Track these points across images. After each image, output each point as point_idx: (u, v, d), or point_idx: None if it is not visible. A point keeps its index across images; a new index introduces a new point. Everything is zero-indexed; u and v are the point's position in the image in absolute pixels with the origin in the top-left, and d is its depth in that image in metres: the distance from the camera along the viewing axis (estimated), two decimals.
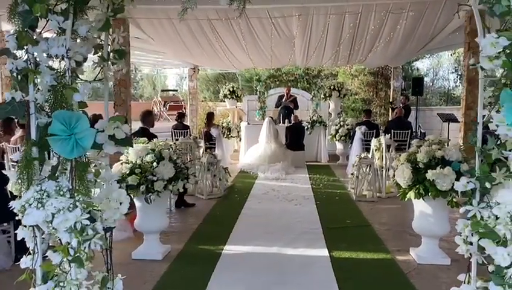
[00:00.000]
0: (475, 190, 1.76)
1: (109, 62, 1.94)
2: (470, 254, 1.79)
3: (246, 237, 4.97)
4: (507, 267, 1.56)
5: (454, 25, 8.48)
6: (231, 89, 13.34)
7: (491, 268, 1.68)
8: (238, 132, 11.56)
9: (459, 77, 18.55)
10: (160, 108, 21.33)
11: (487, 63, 1.58)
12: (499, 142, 1.74)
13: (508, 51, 1.50)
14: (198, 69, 14.44)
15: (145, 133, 5.95)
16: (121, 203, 1.91)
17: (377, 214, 6.02)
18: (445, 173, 3.82)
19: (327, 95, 12.55)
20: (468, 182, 1.76)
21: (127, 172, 4.07)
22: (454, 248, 4.62)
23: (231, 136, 11.42)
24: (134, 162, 4.10)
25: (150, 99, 24.06)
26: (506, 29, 1.57)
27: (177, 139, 8.49)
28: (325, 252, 4.46)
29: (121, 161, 4.17)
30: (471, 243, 1.76)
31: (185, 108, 17.43)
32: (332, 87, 12.66)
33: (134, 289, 3.56)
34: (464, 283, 1.86)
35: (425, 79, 20.10)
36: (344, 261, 4.23)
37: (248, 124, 11.86)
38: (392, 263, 4.19)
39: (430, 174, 3.84)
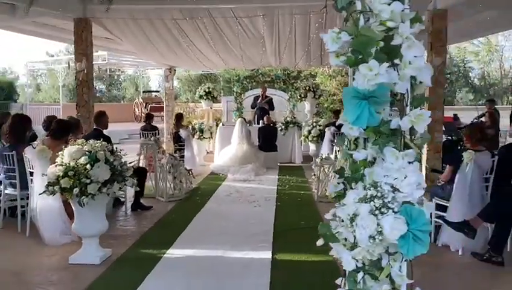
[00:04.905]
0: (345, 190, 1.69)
1: None
2: None
3: (194, 240, 4.88)
4: (356, 271, 1.49)
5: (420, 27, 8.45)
6: (207, 90, 13.24)
7: None
8: (211, 133, 11.47)
9: None
10: (141, 109, 21.22)
11: (334, 59, 1.52)
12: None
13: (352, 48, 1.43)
14: (175, 70, 14.31)
15: (99, 134, 5.85)
16: None
17: None
18: None
19: (302, 96, 12.50)
20: (338, 183, 1.69)
21: (61, 174, 3.97)
22: None
23: (204, 138, 11.32)
24: (67, 164, 3.99)
25: (132, 101, 23.90)
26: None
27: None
28: (268, 255, 4.38)
29: (56, 163, 4.07)
30: None
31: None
32: (307, 88, 12.62)
33: None
34: (340, 286, 1.79)
35: None
36: (285, 264, 4.16)
37: (222, 125, 11.79)
38: (334, 267, 4.09)
39: None
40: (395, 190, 1.42)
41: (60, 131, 5.11)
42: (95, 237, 4.25)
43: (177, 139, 9.63)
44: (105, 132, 6.24)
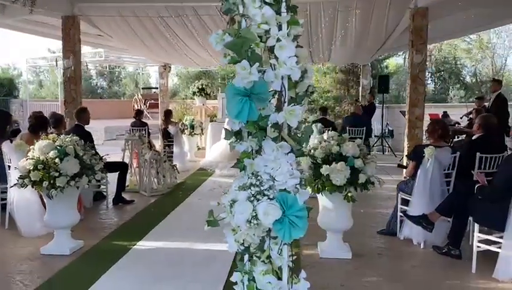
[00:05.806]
0: None
1: None
2: None
3: (166, 233, 5.03)
4: (242, 253, 1.61)
5: (405, 24, 8.52)
6: (200, 87, 13.36)
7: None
8: (201, 129, 11.61)
9: (430, 74, 18.72)
10: (140, 106, 21.39)
11: (223, 59, 1.64)
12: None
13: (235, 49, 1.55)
14: (170, 67, 14.45)
15: (80, 130, 5.99)
16: None
17: None
18: (338, 168, 3.88)
19: None
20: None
21: (31, 168, 4.11)
22: (358, 242, 4.66)
23: (194, 134, 11.46)
24: (38, 157, 4.14)
25: (132, 97, 24.12)
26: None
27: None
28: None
29: (27, 157, 4.22)
30: None
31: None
32: None
33: (27, 283, 3.62)
34: None
35: (401, 77, 20.15)
36: None
37: (214, 121, 11.92)
38: (296, 258, 4.23)
39: (324, 169, 3.89)
40: (274, 179, 1.55)
41: (37, 126, 5.27)
42: (66, 229, 4.41)
43: (166, 136, 9.77)
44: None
